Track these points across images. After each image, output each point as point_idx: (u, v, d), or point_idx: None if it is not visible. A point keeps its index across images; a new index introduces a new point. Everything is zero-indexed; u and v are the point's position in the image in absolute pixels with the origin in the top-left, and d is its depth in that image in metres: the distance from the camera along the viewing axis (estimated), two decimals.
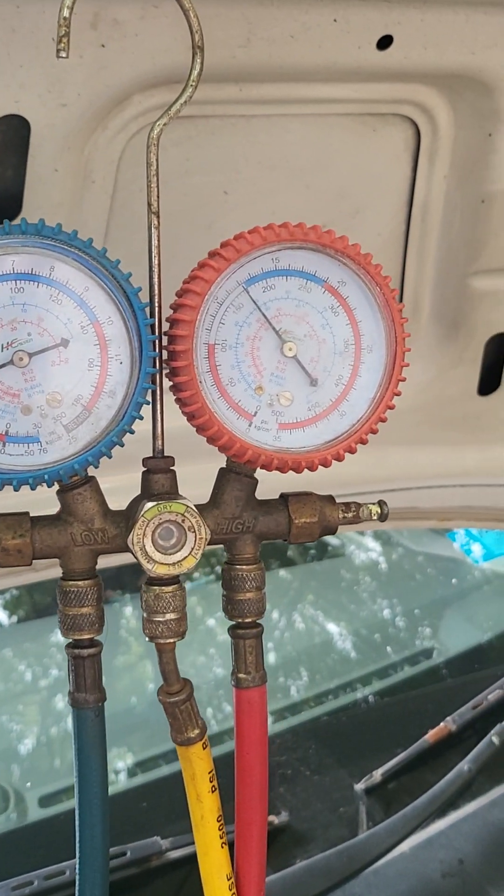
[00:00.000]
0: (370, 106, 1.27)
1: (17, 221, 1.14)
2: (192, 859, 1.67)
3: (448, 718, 2.41)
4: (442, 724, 2.41)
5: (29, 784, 2.36)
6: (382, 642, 3.39)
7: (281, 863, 2.01)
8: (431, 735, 2.38)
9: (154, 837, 1.88)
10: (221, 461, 0.97)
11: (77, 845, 0.96)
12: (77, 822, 0.96)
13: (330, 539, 4.10)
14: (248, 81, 1.16)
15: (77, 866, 0.96)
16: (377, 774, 2.32)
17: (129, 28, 1.02)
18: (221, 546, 0.99)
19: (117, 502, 0.95)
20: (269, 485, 1.03)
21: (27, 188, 1.13)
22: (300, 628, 3.70)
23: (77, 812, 0.95)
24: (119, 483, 1.01)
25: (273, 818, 2.13)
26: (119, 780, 2.43)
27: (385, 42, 1.13)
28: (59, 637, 3.61)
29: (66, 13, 0.81)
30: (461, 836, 2.14)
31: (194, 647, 3.21)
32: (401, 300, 1.52)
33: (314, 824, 2.19)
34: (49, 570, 1.67)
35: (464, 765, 2.23)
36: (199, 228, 1.30)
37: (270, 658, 3.47)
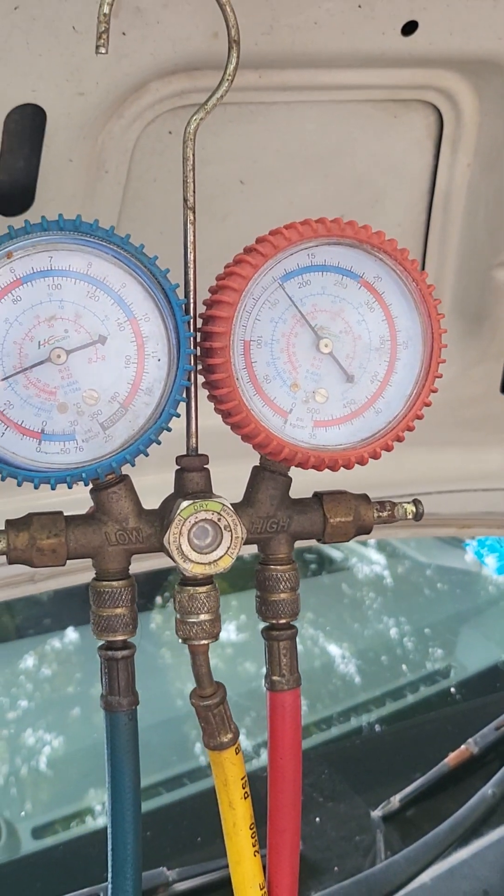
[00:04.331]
0: (392, 92, 1.36)
1: (28, 214, 1.23)
2: (199, 891, 1.75)
3: (469, 740, 2.48)
4: (463, 746, 2.48)
5: (22, 814, 2.43)
6: (392, 664, 3.45)
7: None
8: (452, 758, 2.45)
9: (160, 868, 1.94)
10: (251, 461, 1.06)
11: (109, 854, 1.05)
12: (109, 830, 1.04)
13: (330, 552, 4.16)
14: (269, 68, 1.25)
15: (109, 875, 1.05)
16: (395, 801, 2.39)
17: (150, 16, 1.11)
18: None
19: (145, 502, 1.03)
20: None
21: (40, 179, 1.21)
22: (299, 650, 3.74)
23: (109, 820, 1.04)
24: (146, 483, 1.08)
25: None
26: None
27: (410, 28, 1.22)
28: (35, 661, 3.66)
29: (105, 9, 0.91)
30: (486, 866, 2.20)
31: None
32: None
33: (329, 854, 2.24)
34: (47, 582, 1.76)
35: (487, 789, 2.30)
36: (215, 219, 1.39)
37: None
